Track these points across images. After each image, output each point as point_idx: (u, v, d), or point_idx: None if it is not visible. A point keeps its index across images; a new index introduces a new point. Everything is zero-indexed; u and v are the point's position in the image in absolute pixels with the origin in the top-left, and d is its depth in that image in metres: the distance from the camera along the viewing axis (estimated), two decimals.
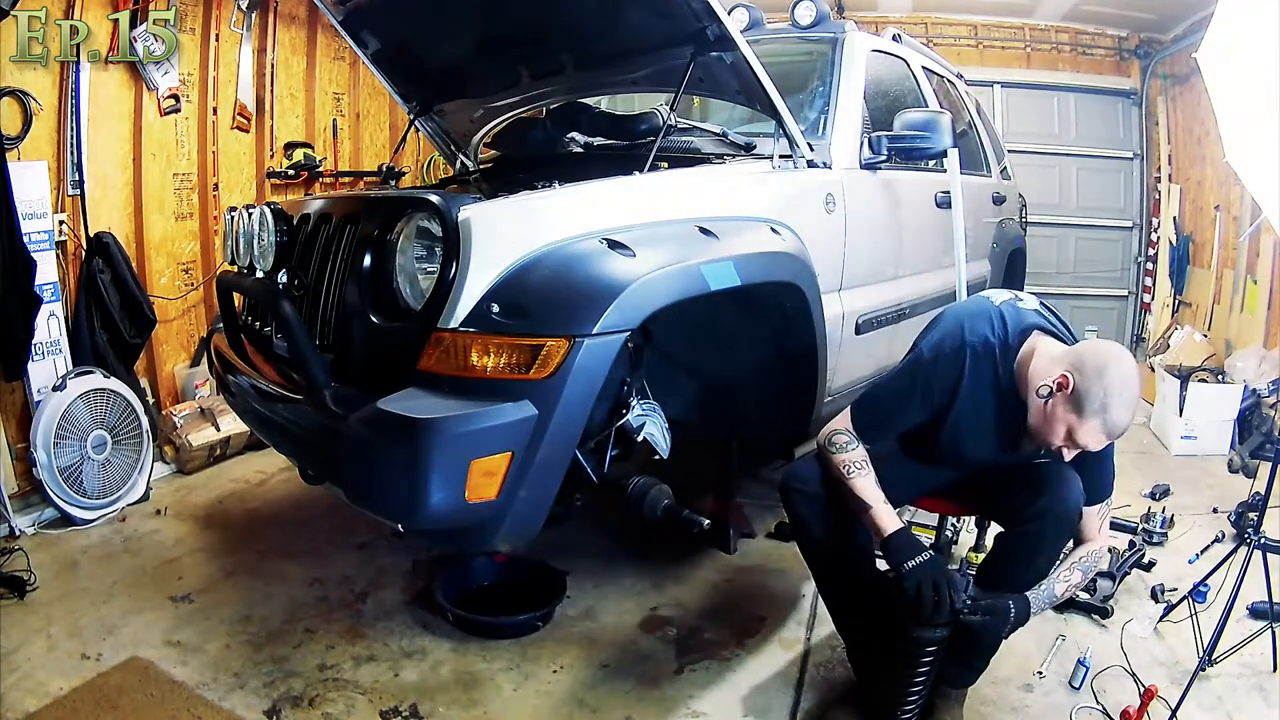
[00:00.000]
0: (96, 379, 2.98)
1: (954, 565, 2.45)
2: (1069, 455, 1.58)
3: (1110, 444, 1.63)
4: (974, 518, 2.50)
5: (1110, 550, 2.58)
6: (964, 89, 4.07)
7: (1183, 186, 5.48)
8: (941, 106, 3.25)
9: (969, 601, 1.57)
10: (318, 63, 4.25)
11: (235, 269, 2.30)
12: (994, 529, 2.42)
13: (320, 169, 4.21)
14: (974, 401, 1.68)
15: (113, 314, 3.18)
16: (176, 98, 3.48)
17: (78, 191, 3.14)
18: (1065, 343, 1.66)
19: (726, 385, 2.34)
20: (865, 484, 1.67)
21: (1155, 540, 2.78)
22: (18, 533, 2.75)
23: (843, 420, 1.76)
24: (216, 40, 3.65)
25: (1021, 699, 1.96)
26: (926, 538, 2.36)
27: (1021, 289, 4.70)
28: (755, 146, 2.39)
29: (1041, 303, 1.76)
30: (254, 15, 3.83)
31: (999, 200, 3.99)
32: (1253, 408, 3.79)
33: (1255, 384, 3.90)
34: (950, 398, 1.68)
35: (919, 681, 1.67)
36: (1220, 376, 4.07)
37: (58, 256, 3.05)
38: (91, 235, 3.17)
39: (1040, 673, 2.05)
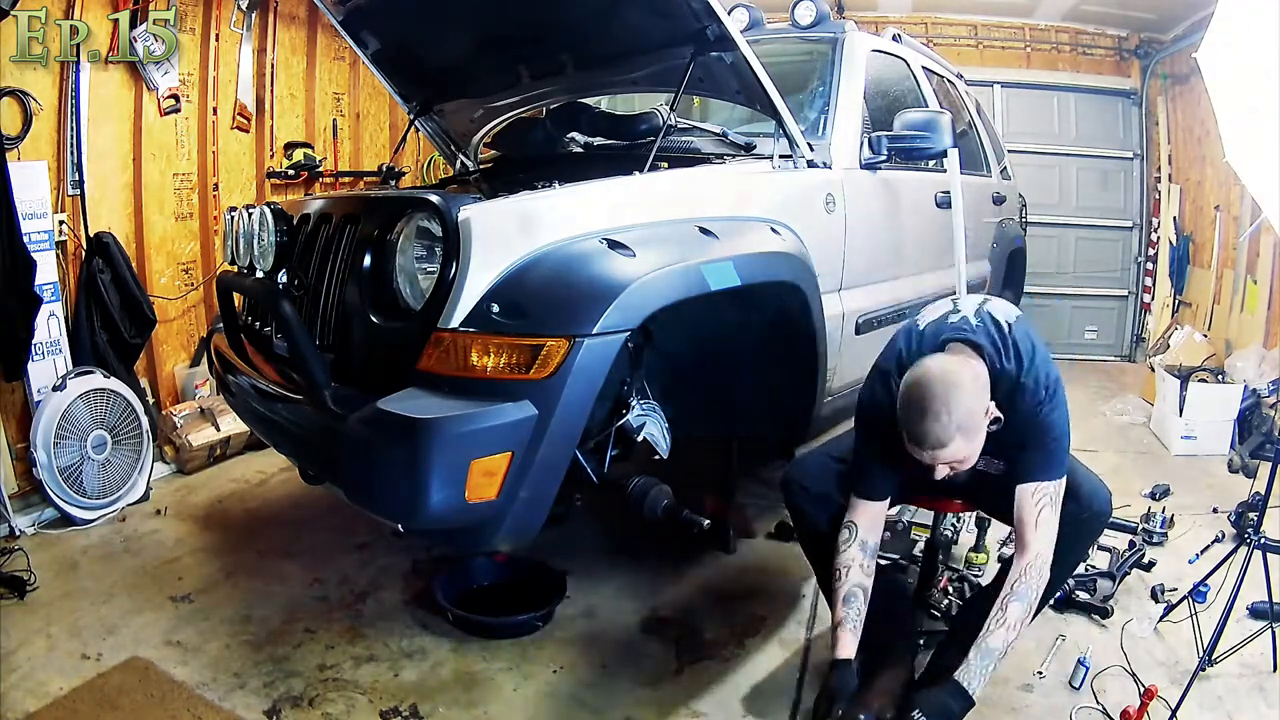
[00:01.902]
0: (96, 379, 2.98)
1: (955, 565, 2.45)
2: (940, 474, 1.53)
3: (1050, 421, 1.59)
4: (974, 518, 2.49)
5: (1110, 550, 2.58)
6: (964, 89, 4.07)
7: (1183, 186, 5.49)
8: (941, 106, 3.25)
9: None
10: (318, 63, 4.25)
11: (235, 269, 2.30)
12: (995, 528, 2.43)
13: (320, 169, 4.21)
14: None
15: (113, 314, 3.18)
16: (176, 98, 3.48)
17: (78, 191, 3.14)
18: (983, 353, 1.60)
19: (726, 385, 2.34)
20: (835, 599, 1.70)
21: (1155, 540, 2.77)
22: (18, 533, 2.75)
23: (850, 500, 1.76)
24: (216, 40, 3.65)
25: (1021, 699, 1.96)
26: (924, 537, 2.36)
27: (1021, 289, 4.71)
28: (755, 146, 2.39)
29: (1004, 314, 1.68)
30: (254, 15, 3.83)
31: (999, 200, 3.99)
32: (1253, 408, 3.79)
33: (1255, 384, 3.90)
34: (890, 425, 1.61)
35: None
36: (1220, 376, 4.07)
37: (58, 256, 3.05)
38: (91, 235, 3.17)
39: (1040, 673, 2.04)
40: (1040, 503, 1.59)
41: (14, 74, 2.87)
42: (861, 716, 1.57)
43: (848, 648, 1.64)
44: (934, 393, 1.48)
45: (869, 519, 1.73)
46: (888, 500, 1.77)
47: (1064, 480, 1.62)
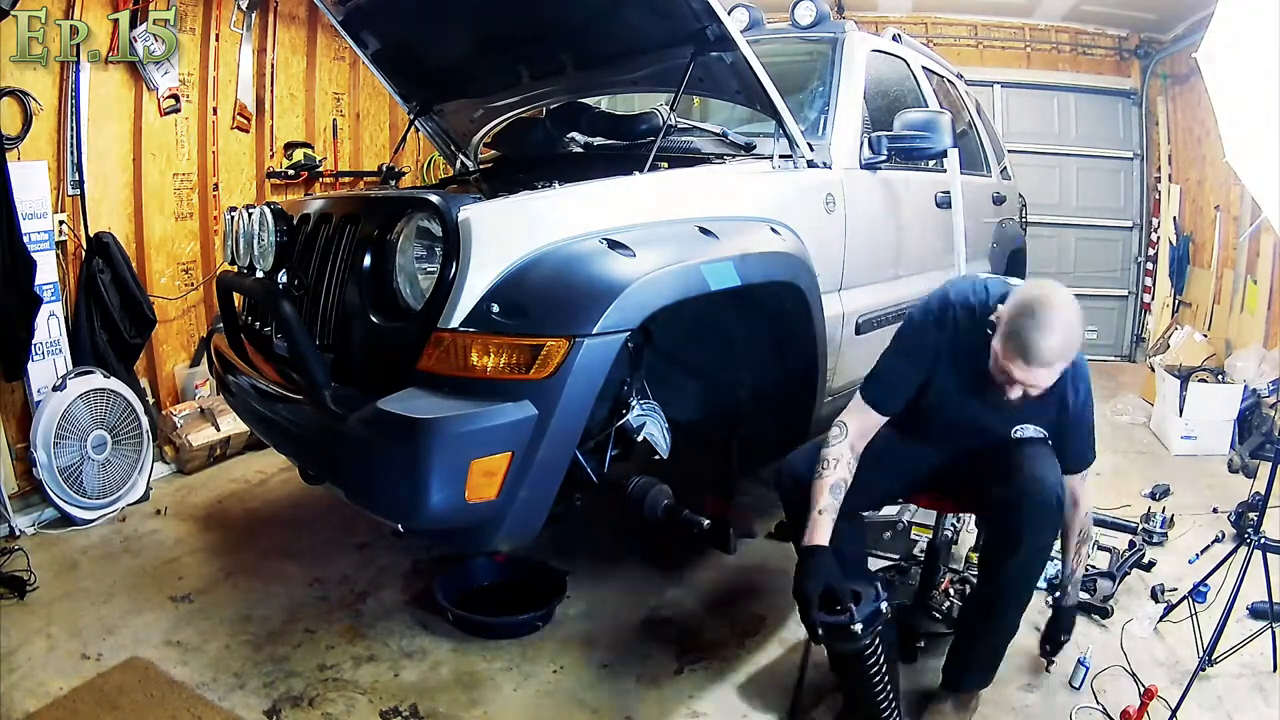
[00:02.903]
0: (96, 379, 2.98)
1: (956, 565, 2.45)
2: (1015, 394, 1.59)
3: (1085, 414, 1.74)
4: (974, 518, 2.49)
5: (1110, 550, 2.59)
6: (964, 89, 4.07)
7: (1183, 186, 5.49)
8: (941, 106, 3.25)
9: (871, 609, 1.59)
10: (318, 63, 4.25)
11: (235, 269, 2.30)
12: None
13: (320, 169, 4.21)
14: (954, 360, 1.73)
15: (113, 314, 3.18)
16: (176, 98, 3.48)
17: (78, 191, 3.14)
18: None
19: (726, 385, 2.34)
20: (819, 486, 1.71)
21: (1155, 540, 2.77)
22: (18, 533, 2.75)
23: (853, 401, 1.82)
24: (216, 40, 3.65)
25: (1021, 699, 1.96)
26: (925, 537, 2.36)
27: None
28: (755, 146, 2.38)
29: None
30: (254, 15, 3.83)
31: (999, 200, 3.98)
32: (1253, 408, 3.79)
33: (1255, 384, 3.90)
34: (934, 356, 1.74)
35: (873, 686, 1.66)
36: (1220, 376, 4.07)
37: (58, 256, 3.05)
38: (91, 235, 3.17)
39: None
40: (1085, 482, 1.84)
41: (14, 74, 2.87)
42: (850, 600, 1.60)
43: (824, 535, 1.67)
44: (1059, 312, 1.52)
45: (861, 426, 1.77)
46: (884, 421, 1.80)
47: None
